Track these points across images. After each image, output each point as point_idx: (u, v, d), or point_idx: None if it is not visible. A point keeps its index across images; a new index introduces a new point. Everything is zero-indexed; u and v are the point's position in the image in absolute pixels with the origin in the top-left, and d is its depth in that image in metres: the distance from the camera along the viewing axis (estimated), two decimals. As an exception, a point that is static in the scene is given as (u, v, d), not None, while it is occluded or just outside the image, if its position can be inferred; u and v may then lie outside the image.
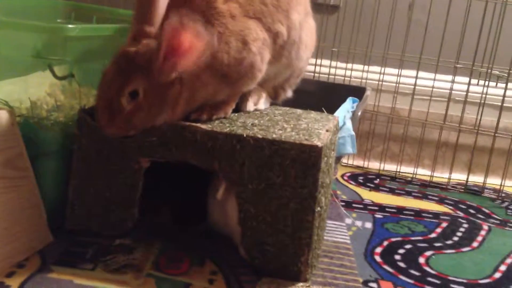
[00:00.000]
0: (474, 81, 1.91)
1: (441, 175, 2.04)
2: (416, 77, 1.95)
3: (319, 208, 1.11)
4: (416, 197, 1.81)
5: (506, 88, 1.86)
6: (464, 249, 1.42)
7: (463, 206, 1.76)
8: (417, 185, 1.94)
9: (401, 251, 1.36)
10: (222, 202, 1.20)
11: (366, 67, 2.05)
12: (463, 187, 1.94)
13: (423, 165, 2.09)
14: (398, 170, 2.03)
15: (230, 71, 1.14)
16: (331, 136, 1.18)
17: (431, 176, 1.99)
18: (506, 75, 1.85)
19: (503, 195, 1.90)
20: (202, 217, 1.31)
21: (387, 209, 1.65)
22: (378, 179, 1.96)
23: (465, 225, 1.59)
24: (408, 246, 1.39)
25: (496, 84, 1.87)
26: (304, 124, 1.20)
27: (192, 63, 1.05)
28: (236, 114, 1.24)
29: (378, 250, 1.36)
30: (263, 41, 1.18)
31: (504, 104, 1.86)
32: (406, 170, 2.06)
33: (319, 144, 1.08)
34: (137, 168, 1.17)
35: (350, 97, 1.76)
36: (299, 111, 1.33)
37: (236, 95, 1.23)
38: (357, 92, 1.83)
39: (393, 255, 1.34)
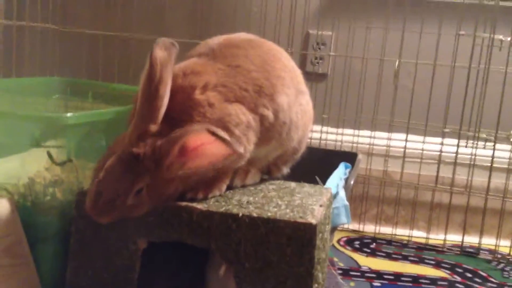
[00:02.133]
0: (462, 142, 1.95)
1: (436, 237, 2.06)
2: (406, 141, 2.00)
3: (316, 285, 1.12)
4: (413, 261, 1.81)
5: (494, 149, 1.90)
6: (462, 316, 1.42)
7: (460, 270, 1.77)
8: (413, 248, 1.95)
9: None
10: (222, 280, 1.21)
11: (356, 132, 2.09)
12: (459, 249, 1.95)
13: (418, 227, 2.10)
14: (393, 233, 2.04)
15: (207, 172, 1.15)
16: (325, 211, 1.20)
17: (426, 238, 2.00)
18: (492, 137, 1.89)
19: (498, 256, 1.91)
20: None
21: (384, 276, 1.65)
22: (374, 243, 1.97)
23: (463, 289, 1.59)
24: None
25: (484, 146, 1.91)
26: (298, 200, 1.23)
27: (205, 165, 1.07)
28: (231, 191, 1.26)
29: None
30: (247, 124, 1.20)
31: (494, 165, 1.90)
32: (402, 232, 2.07)
33: (313, 221, 1.10)
34: (134, 249, 1.18)
35: (343, 163, 1.79)
36: (292, 184, 1.36)
37: (227, 172, 1.25)
38: (349, 157, 1.87)
39: (392, 327, 1.34)
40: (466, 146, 1.94)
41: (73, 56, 2.13)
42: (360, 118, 2.08)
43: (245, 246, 1.12)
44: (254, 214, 1.12)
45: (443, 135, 1.96)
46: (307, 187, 1.35)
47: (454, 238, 2.04)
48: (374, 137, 2.08)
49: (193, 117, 1.14)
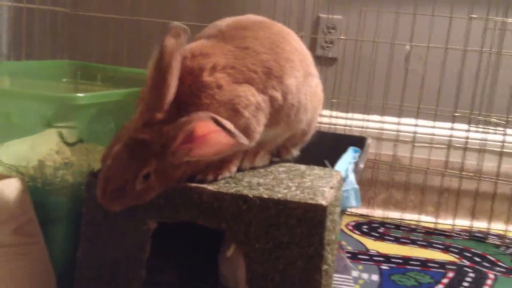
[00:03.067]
0: (472, 127, 1.94)
1: (444, 222, 2.05)
2: (416, 125, 1.99)
3: (326, 266, 1.12)
4: (421, 245, 1.81)
5: (505, 134, 1.89)
6: (472, 301, 1.42)
7: (468, 254, 1.77)
8: (421, 233, 1.95)
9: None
10: (231, 260, 1.21)
11: (366, 116, 2.09)
12: (467, 234, 1.95)
13: (426, 211, 2.10)
14: (402, 217, 2.04)
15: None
16: (335, 193, 1.20)
17: (435, 223, 2.00)
18: (504, 122, 1.88)
19: (507, 241, 1.90)
20: (212, 273, 1.32)
21: (392, 260, 1.65)
22: (382, 228, 1.97)
23: (471, 275, 1.59)
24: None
25: (495, 131, 1.90)
26: (309, 181, 1.23)
27: (212, 154, 1.08)
28: (241, 173, 1.26)
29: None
30: (256, 105, 1.20)
31: (504, 150, 1.89)
32: (410, 217, 2.07)
33: (324, 203, 1.10)
34: (144, 229, 1.18)
35: (351, 147, 1.79)
36: (302, 167, 1.36)
37: (237, 154, 1.25)
38: (358, 142, 1.86)
39: (401, 309, 1.34)
40: (476, 131, 1.93)
41: (83, 40, 2.13)
42: (370, 103, 2.07)
43: (256, 227, 1.12)
44: (265, 195, 1.12)
45: (453, 119, 1.95)
46: (317, 170, 1.35)
47: (462, 223, 2.03)
48: (384, 122, 2.07)
49: (201, 99, 1.14)
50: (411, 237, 1.89)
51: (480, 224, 2.02)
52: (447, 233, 1.95)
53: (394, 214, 2.09)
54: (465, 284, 1.52)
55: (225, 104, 1.16)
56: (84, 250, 1.21)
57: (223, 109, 1.15)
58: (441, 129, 2.03)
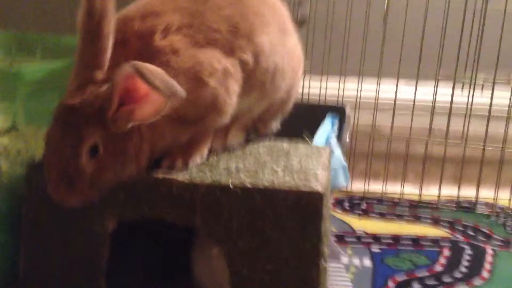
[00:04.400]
0: (457, 90, 1.79)
1: (428, 192, 1.90)
2: (396, 91, 1.83)
3: (323, 262, 0.94)
4: (408, 220, 1.67)
5: (492, 95, 1.75)
6: (477, 283, 1.28)
7: (460, 228, 1.63)
8: (406, 206, 1.81)
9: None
10: (209, 261, 1.03)
11: (342, 83, 1.90)
12: (454, 205, 1.82)
13: (408, 181, 1.95)
14: (383, 190, 1.89)
15: (187, 113, 0.96)
16: (327, 174, 1.02)
17: (419, 195, 1.86)
18: (490, 82, 1.74)
19: (497, 210, 1.78)
20: (182, 271, 1.13)
21: (382, 240, 1.50)
22: (364, 203, 1.82)
23: (469, 252, 1.46)
24: (417, 286, 1.25)
25: (482, 92, 1.76)
26: (296, 163, 1.04)
27: (151, 114, 0.87)
28: (216, 157, 1.06)
29: (386, 293, 1.21)
30: (223, 72, 0.99)
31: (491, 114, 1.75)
32: (392, 189, 1.92)
33: (319, 189, 0.91)
34: (101, 231, 0.97)
35: (329, 116, 1.61)
36: (285, 145, 1.16)
37: (208, 132, 1.05)
38: (336, 111, 1.68)
39: (402, 299, 1.19)
40: (462, 92, 1.78)
41: (16, 5, 1.84)
42: (345, 67, 1.89)
43: (238, 221, 0.93)
44: (248, 184, 0.93)
45: (437, 82, 1.79)
46: (303, 148, 1.16)
47: (448, 192, 1.89)
48: (361, 90, 1.89)
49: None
50: (397, 212, 1.74)
51: (466, 193, 1.88)
52: (433, 205, 1.81)
53: (374, 187, 1.93)
54: (465, 263, 1.38)
55: (184, 72, 0.95)
56: (27, 259, 0.99)
57: (183, 79, 0.93)
58: (424, 94, 1.87)
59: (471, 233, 1.60)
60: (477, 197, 1.82)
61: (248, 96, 1.06)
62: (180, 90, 0.84)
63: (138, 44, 0.94)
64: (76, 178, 0.87)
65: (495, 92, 1.75)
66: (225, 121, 1.03)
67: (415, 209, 1.78)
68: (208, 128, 1.03)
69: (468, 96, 1.78)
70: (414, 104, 1.85)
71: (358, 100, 1.90)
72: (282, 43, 1.13)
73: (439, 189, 1.84)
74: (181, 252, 1.14)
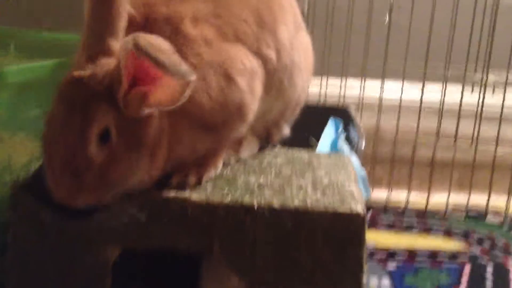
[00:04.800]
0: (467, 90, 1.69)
1: (432, 199, 1.79)
2: (402, 90, 1.72)
3: (364, 296, 0.81)
4: (420, 232, 1.56)
5: (505, 94, 1.65)
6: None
7: (475, 240, 1.53)
8: (413, 216, 1.69)
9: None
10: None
11: (343, 81, 1.78)
12: (463, 214, 1.72)
13: (414, 188, 1.84)
14: (388, 198, 1.77)
15: (213, 118, 0.83)
16: (359, 189, 0.89)
17: (426, 203, 1.75)
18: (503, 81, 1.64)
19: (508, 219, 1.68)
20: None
21: (397, 256, 1.38)
22: (369, 212, 1.70)
23: (490, 268, 1.35)
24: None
25: (493, 90, 1.66)
26: (324, 177, 0.90)
27: (167, 100, 0.73)
28: (232, 171, 0.92)
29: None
30: (250, 72, 0.87)
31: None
32: (396, 195, 1.80)
33: (359, 210, 0.78)
34: (102, 260, 0.82)
35: (332, 119, 1.48)
36: (304, 154, 1.03)
37: (225, 142, 0.91)
38: (338, 113, 1.56)
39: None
40: (471, 93, 1.68)
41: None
42: (347, 65, 1.76)
43: (264, 249, 0.79)
44: (275, 205, 0.79)
45: (445, 82, 1.69)
46: (324, 157, 1.02)
47: (453, 199, 1.78)
48: (364, 88, 1.77)
49: (188, 58, 0.78)
50: (405, 225, 1.62)
51: (473, 200, 1.78)
52: (441, 214, 1.70)
53: (377, 195, 1.81)
54: (489, 283, 1.27)
55: (215, 67, 0.82)
56: (12, 294, 0.84)
57: (213, 74, 0.81)
58: (432, 93, 1.76)
59: (486, 246, 1.49)
60: (487, 205, 1.72)
61: (267, 97, 0.93)
62: (189, 72, 0.70)
63: (166, 28, 0.80)
64: (84, 170, 0.71)
65: (507, 93, 1.65)
66: (245, 129, 0.89)
67: (423, 219, 1.66)
68: (227, 137, 0.89)
69: (479, 98, 1.67)
70: (421, 106, 1.74)
71: (360, 101, 1.77)
72: (298, 39, 1.01)
73: (448, 197, 1.73)
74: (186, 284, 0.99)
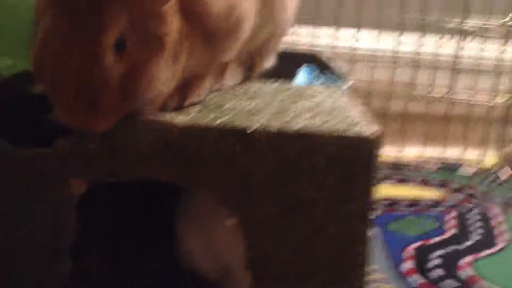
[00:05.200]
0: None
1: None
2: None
3: (370, 232, 0.72)
4: (395, 183, 1.50)
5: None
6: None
7: (452, 188, 1.48)
8: (387, 168, 1.63)
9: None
10: (210, 232, 0.78)
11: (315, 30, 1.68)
12: (438, 165, 1.67)
13: (388, 142, 1.77)
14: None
15: (217, 26, 0.71)
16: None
17: (398, 155, 1.69)
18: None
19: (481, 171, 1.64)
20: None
21: (377, 205, 1.31)
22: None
23: (473, 215, 1.30)
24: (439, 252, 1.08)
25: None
26: (323, 103, 0.80)
27: None
28: (216, 95, 0.80)
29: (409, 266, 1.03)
30: None
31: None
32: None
33: (369, 134, 0.69)
34: (65, 196, 0.69)
35: (305, 66, 1.38)
36: (293, 86, 0.93)
37: (213, 64, 0.79)
38: (310, 60, 1.46)
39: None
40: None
41: None
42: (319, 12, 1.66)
43: (258, 180, 0.68)
44: (273, 128, 0.68)
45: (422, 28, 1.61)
46: (315, 87, 0.92)
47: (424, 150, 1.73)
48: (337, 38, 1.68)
49: None
50: (381, 175, 1.56)
51: (448, 152, 1.72)
52: (412, 166, 1.65)
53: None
54: (474, 230, 1.22)
55: None
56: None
57: None
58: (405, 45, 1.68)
59: (465, 195, 1.44)
60: (461, 157, 1.67)
61: (259, 16, 0.81)
62: None
63: None
64: (102, 89, 0.59)
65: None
66: (236, 48, 0.78)
67: (398, 170, 1.60)
68: (217, 60, 0.78)
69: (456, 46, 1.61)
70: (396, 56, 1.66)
71: (333, 50, 1.68)
72: None
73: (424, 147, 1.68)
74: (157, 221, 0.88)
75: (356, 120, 0.72)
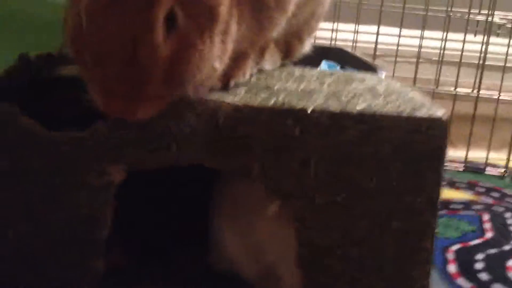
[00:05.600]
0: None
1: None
2: (400, 36, 1.58)
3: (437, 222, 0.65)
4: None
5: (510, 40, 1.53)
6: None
7: (481, 190, 1.41)
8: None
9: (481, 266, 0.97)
10: (250, 227, 0.71)
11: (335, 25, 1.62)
12: (463, 165, 1.60)
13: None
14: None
15: None
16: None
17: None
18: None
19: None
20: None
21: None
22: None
23: (508, 216, 1.24)
24: (480, 256, 1.01)
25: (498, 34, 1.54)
26: (378, 85, 0.73)
27: None
28: (261, 79, 0.73)
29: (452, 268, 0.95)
30: None
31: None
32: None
33: (442, 115, 0.62)
34: (102, 184, 0.62)
35: (324, 61, 1.32)
36: (339, 71, 0.86)
37: (258, 42, 0.73)
38: (333, 55, 1.39)
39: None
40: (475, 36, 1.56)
41: None
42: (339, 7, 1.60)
43: (318, 166, 0.61)
44: (333, 109, 0.61)
45: (447, 23, 1.55)
46: (361, 74, 0.85)
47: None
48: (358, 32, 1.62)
49: None
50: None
51: (472, 153, 1.66)
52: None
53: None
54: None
55: None
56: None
57: None
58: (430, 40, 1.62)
59: (496, 196, 1.38)
60: (487, 158, 1.61)
61: None
62: None
63: None
64: (149, 68, 0.53)
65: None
66: (282, 22, 0.71)
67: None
68: (262, 38, 0.71)
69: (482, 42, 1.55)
70: (419, 52, 1.60)
71: (354, 44, 1.62)
72: None
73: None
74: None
75: (420, 102, 0.66)
